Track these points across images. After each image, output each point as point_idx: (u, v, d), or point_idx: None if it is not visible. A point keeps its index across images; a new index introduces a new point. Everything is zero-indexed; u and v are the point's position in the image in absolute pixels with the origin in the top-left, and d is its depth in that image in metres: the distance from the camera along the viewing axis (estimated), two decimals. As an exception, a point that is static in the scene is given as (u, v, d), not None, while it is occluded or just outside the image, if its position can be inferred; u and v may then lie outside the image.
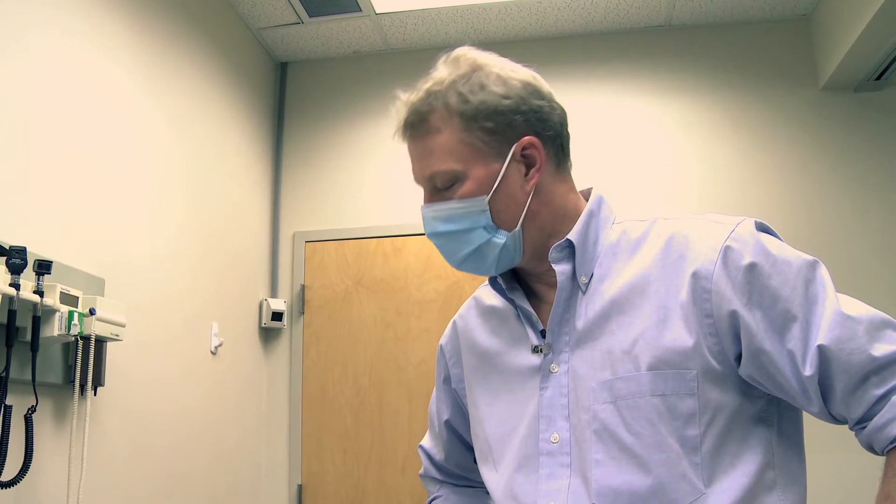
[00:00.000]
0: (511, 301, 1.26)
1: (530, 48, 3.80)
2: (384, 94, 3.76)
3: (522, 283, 1.29)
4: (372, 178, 3.78)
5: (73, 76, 2.33)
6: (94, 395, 2.28)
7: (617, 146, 3.64)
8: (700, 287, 1.09)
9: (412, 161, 1.23)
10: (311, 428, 3.60)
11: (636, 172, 3.60)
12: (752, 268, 1.08)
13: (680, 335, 1.08)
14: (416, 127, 1.20)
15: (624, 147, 3.64)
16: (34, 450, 1.96)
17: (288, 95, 3.97)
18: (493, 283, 1.29)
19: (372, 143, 3.82)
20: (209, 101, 3.25)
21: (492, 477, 1.25)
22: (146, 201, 2.70)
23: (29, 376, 1.94)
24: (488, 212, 1.17)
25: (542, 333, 1.22)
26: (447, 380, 1.43)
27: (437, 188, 1.20)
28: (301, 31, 3.72)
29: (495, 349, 1.29)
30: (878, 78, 3.38)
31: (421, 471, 1.55)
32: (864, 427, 1.03)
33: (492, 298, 1.34)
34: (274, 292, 3.71)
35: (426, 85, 1.22)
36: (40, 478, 2.04)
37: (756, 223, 1.14)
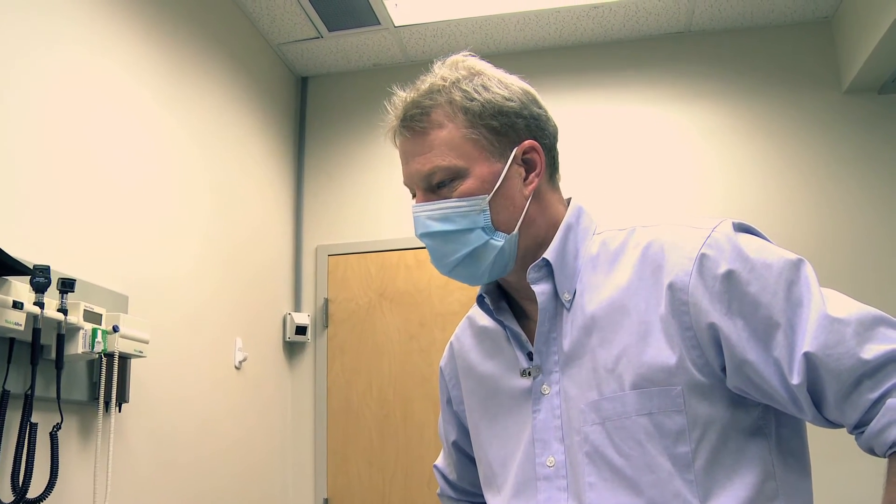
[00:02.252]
0: (500, 322, 1.22)
1: (549, 57, 3.79)
2: (404, 107, 3.80)
3: (510, 300, 1.25)
4: (393, 191, 3.79)
5: (97, 94, 2.36)
6: (119, 411, 2.30)
7: (638, 154, 3.62)
8: (677, 299, 1.05)
9: (406, 158, 1.20)
10: (337, 442, 3.60)
11: (658, 180, 3.58)
12: (728, 276, 1.03)
13: (662, 351, 1.05)
14: (418, 120, 1.17)
15: (646, 154, 3.62)
16: (59, 466, 1.97)
17: (309, 109, 3.99)
18: (481, 302, 1.24)
19: (393, 156, 3.76)
20: (231, 117, 3.27)
21: (496, 502, 1.22)
22: (169, 218, 2.72)
23: (54, 394, 1.96)
24: (488, 212, 1.14)
25: (530, 355, 1.18)
26: (450, 402, 1.41)
27: (433, 187, 1.16)
28: (321, 46, 3.74)
29: (489, 372, 1.25)
30: (903, 79, 3.34)
31: (438, 490, 1.53)
32: (863, 432, 0.98)
33: (483, 319, 1.30)
34: (298, 306, 3.72)
35: (427, 82, 1.20)
36: (66, 495, 2.05)
37: (734, 224, 1.09)
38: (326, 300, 3.72)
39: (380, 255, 3.72)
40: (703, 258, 1.05)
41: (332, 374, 3.66)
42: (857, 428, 0.99)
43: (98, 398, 2.14)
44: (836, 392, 0.98)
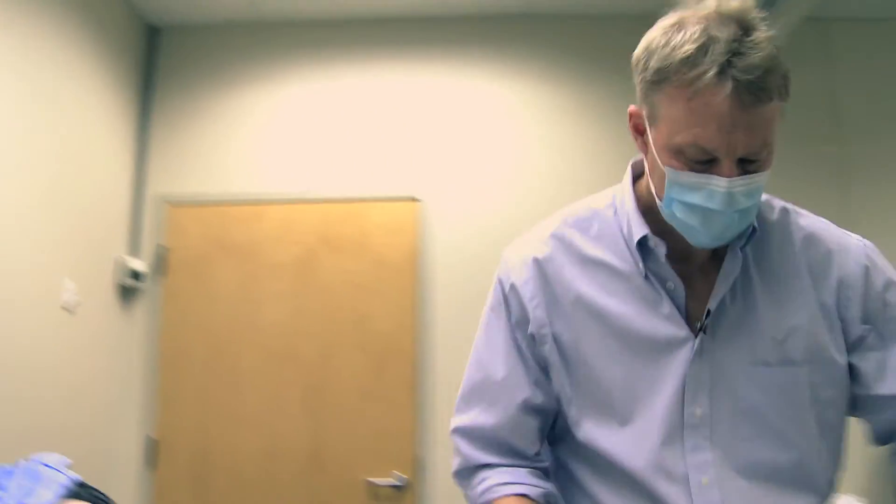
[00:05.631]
0: (649, 268, 1.21)
1: (391, 28, 3.97)
2: (256, 64, 3.93)
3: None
4: (237, 146, 3.90)
5: None
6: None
7: (467, 125, 3.85)
8: (845, 296, 1.19)
9: (729, 122, 1.04)
10: (167, 385, 3.71)
11: (484, 151, 3.83)
12: (888, 292, 1.20)
13: (826, 335, 1.18)
14: (764, 89, 1.04)
15: (474, 125, 3.86)
16: None
17: (162, 60, 4.03)
18: (644, 248, 1.20)
19: (241, 112, 3.93)
20: (72, 62, 3.31)
21: (610, 434, 1.21)
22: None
23: None
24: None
25: (682, 304, 1.20)
26: (522, 323, 1.26)
27: (743, 160, 1.08)
28: (171, -2, 3.80)
29: (616, 311, 1.21)
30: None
31: (458, 464, 1.31)
32: None
33: (592, 248, 1.25)
34: (136, 253, 3.80)
35: (763, 39, 1.05)
36: None
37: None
38: (164, 248, 3.81)
39: (219, 207, 3.83)
40: (871, 267, 1.22)
41: (165, 319, 3.76)
42: None
43: None
44: None
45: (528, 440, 1.27)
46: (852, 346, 1.19)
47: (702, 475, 1.16)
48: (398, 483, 3.60)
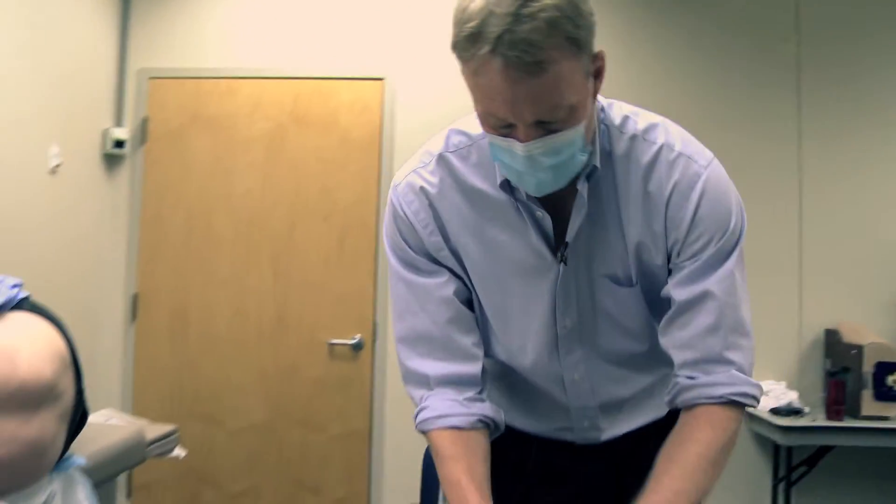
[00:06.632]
0: (519, 200, 1.29)
1: None
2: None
3: None
4: (215, 22, 4.07)
5: None
6: None
7: (436, 5, 3.98)
8: (671, 221, 1.28)
9: (508, 95, 1.08)
10: (147, 247, 4.01)
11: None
12: (704, 216, 1.29)
13: (658, 254, 1.30)
14: (530, 60, 1.05)
15: (443, 6, 3.97)
16: None
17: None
18: (508, 186, 1.28)
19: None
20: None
21: (496, 344, 1.43)
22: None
23: None
24: (583, 132, 1.16)
25: (550, 235, 1.31)
26: (420, 248, 1.37)
27: (541, 122, 1.12)
28: None
29: (494, 237, 1.33)
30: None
31: (402, 374, 1.41)
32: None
33: (472, 177, 1.32)
34: (118, 122, 4.04)
35: (538, 6, 1.05)
36: None
37: None
38: (145, 119, 4.04)
39: (196, 81, 4.03)
40: (695, 194, 1.28)
41: (146, 186, 4.03)
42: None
43: None
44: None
45: (465, 328, 1.37)
46: (671, 266, 1.32)
47: (574, 373, 1.41)
48: (356, 343, 3.89)
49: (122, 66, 4.07)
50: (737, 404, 1.26)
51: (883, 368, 3.46)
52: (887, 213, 3.91)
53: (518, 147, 1.13)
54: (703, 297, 1.26)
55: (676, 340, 1.29)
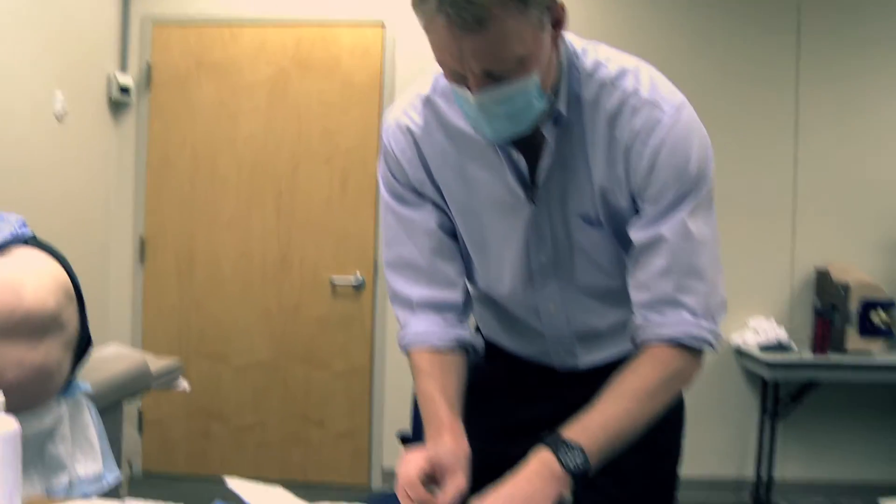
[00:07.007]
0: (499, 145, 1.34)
1: None
2: None
3: None
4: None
5: None
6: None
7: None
8: (632, 167, 1.31)
9: (456, 50, 1.14)
10: (154, 191, 4.11)
11: None
12: (663, 162, 1.32)
13: (622, 197, 1.34)
14: (473, 16, 1.10)
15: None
16: None
17: None
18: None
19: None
20: None
21: (483, 276, 1.51)
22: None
23: None
24: (538, 81, 1.20)
25: (525, 173, 1.36)
26: (406, 183, 1.45)
27: (490, 73, 1.17)
28: None
29: (474, 175, 1.39)
30: None
31: (390, 296, 1.52)
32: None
33: (455, 119, 1.37)
34: (123, 68, 4.11)
35: None
36: None
37: None
38: (149, 64, 4.12)
39: (199, 27, 4.10)
40: (655, 142, 1.30)
41: (152, 131, 4.12)
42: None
43: None
44: None
45: (448, 257, 1.46)
46: (635, 208, 1.37)
47: (549, 303, 1.48)
48: (357, 283, 4.01)
49: (125, 13, 4.13)
50: (685, 346, 1.30)
51: (868, 306, 3.56)
52: (879, 157, 3.98)
53: (469, 95, 1.19)
54: (657, 240, 1.31)
55: (633, 281, 1.36)
